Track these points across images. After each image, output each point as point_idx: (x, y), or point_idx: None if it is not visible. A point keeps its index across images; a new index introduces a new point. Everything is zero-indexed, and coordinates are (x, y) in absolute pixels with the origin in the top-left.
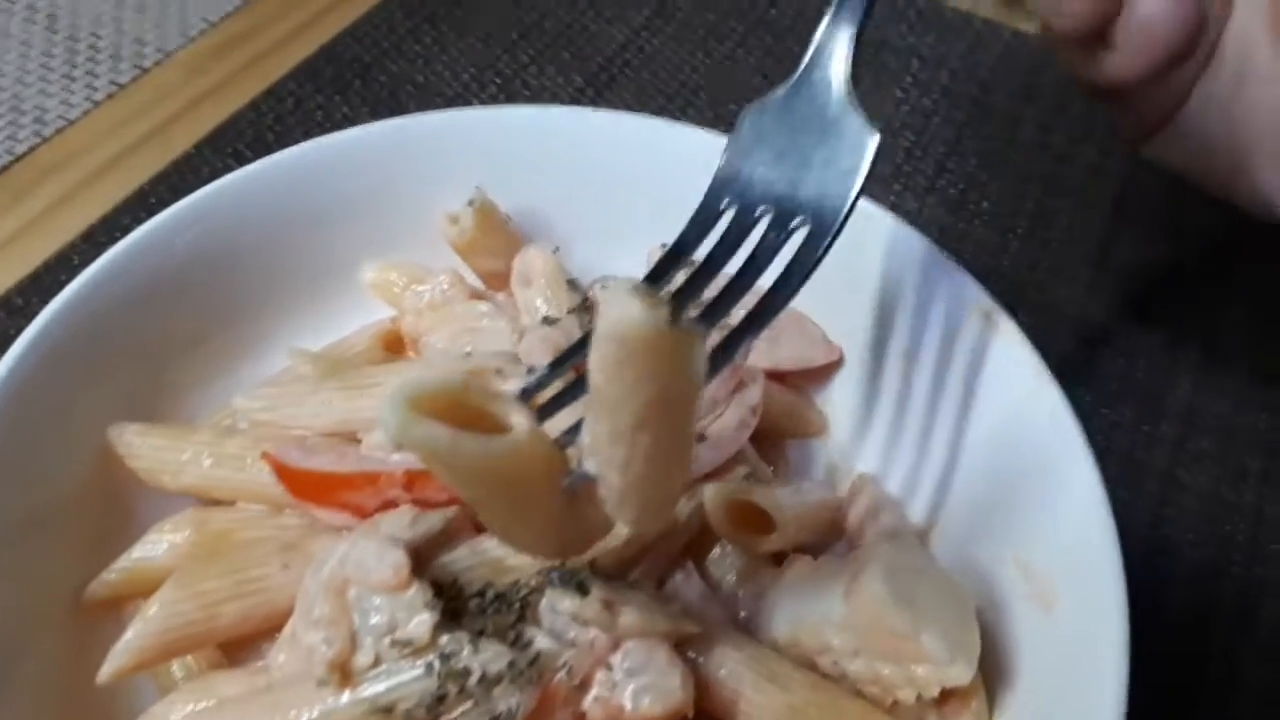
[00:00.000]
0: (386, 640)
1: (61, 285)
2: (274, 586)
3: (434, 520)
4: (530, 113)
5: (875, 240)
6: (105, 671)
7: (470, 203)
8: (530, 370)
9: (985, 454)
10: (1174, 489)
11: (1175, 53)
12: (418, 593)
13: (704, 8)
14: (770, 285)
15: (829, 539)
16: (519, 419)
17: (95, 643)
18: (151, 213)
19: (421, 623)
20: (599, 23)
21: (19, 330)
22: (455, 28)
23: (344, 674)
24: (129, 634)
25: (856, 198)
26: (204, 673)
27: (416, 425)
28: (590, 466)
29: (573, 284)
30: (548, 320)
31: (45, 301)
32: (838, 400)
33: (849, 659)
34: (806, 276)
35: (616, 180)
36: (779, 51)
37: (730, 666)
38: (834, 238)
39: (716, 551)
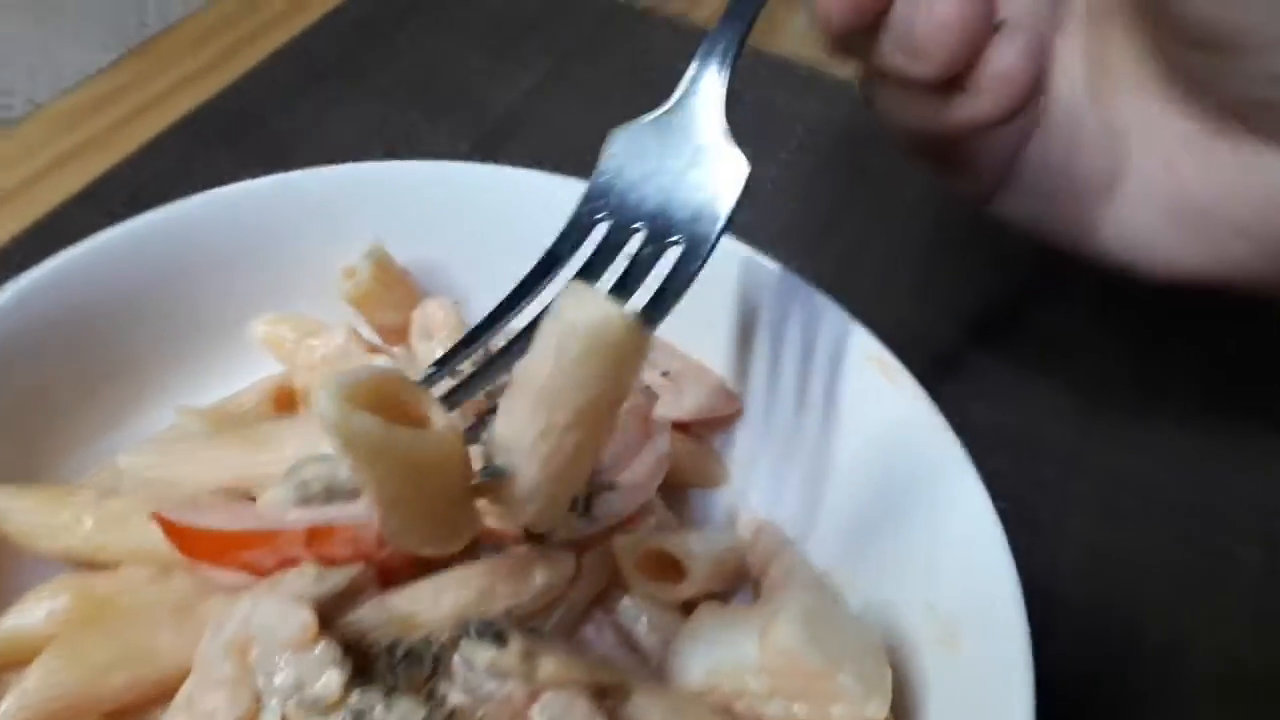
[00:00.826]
0: (293, 700)
1: None
2: (164, 651)
3: (339, 577)
4: (426, 167)
5: (768, 291)
6: None
7: (368, 255)
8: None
9: (883, 499)
10: (1059, 535)
11: (1034, 90)
12: (325, 650)
13: (591, 71)
14: (646, 303)
15: (734, 584)
16: (439, 415)
17: None
18: (17, 272)
19: (330, 680)
20: (492, 84)
21: None
22: (348, 85)
23: None
24: (5, 705)
25: (729, 220)
26: None
27: (353, 417)
28: (503, 461)
29: None
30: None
31: None
32: (737, 449)
33: (765, 702)
34: (679, 296)
35: (513, 235)
36: None
37: (650, 716)
38: (706, 258)
39: (625, 601)
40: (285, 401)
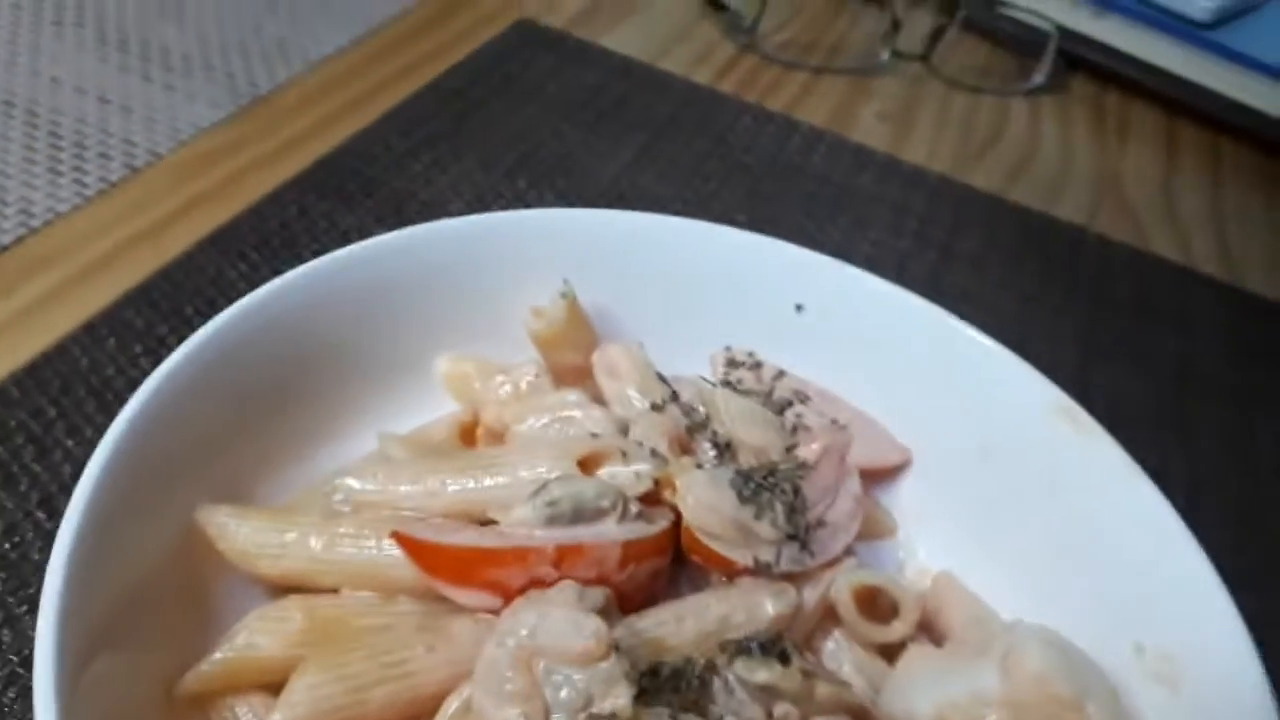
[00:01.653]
0: (582, 715)
1: (61, 378)
2: (420, 670)
3: (598, 596)
4: (611, 216)
5: (939, 342)
6: None
7: (562, 295)
8: (653, 453)
9: (1077, 546)
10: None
11: None
12: (616, 663)
13: (685, 150)
14: None
15: (917, 635)
16: None
17: None
18: (155, 309)
19: (622, 694)
20: (590, 157)
21: (19, 422)
22: (451, 152)
23: None
24: (274, 718)
25: None
26: None
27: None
28: None
29: (660, 376)
30: (655, 407)
31: (44, 392)
32: (904, 501)
33: None
34: None
35: (683, 284)
36: (759, 191)
37: None
38: None
39: (830, 644)
40: (469, 436)
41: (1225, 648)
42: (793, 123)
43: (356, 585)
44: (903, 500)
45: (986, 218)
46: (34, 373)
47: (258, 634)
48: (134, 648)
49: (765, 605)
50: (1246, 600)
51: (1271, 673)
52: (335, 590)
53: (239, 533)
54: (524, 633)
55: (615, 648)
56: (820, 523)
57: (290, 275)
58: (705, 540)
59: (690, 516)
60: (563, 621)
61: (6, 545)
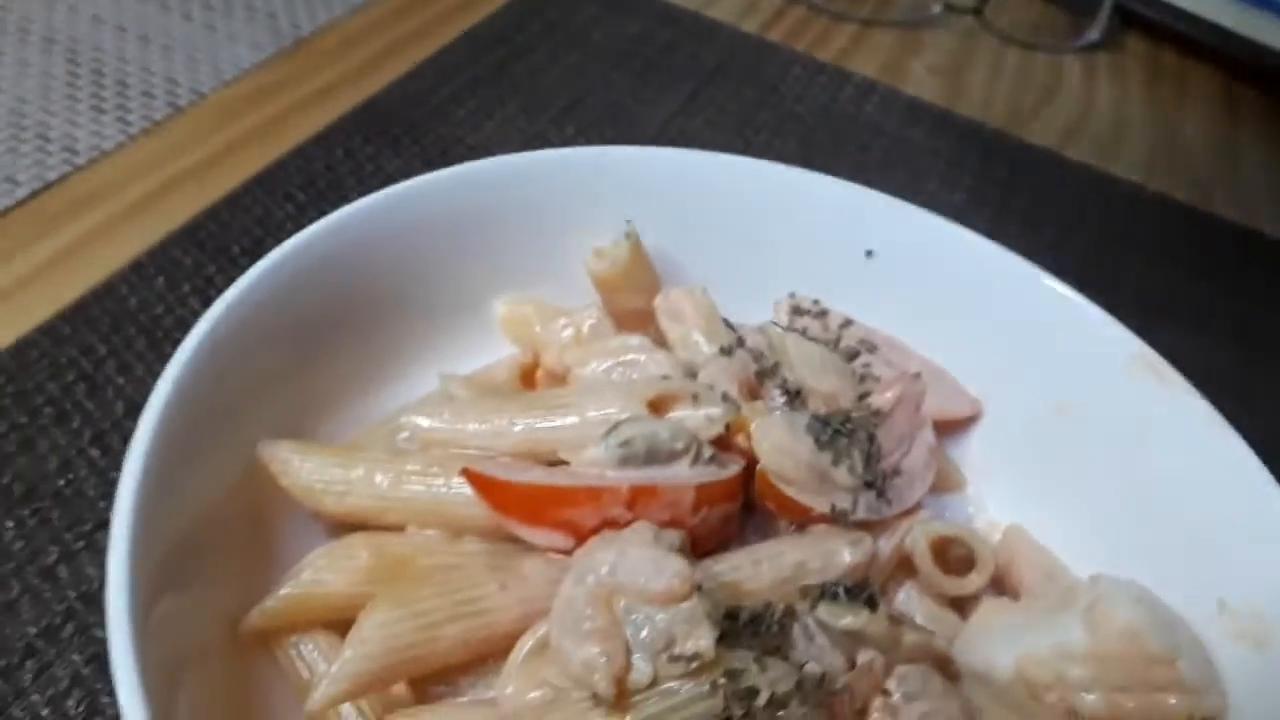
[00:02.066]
0: (664, 656)
1: (111, 315)
2: (494, 608)
3: (674, 538)
4: (677, 154)
5: (1014, 290)
6: (319, 699)
7: (626, 235)
8: (724, 397)
9: (1158, 500)
10: None
11: None
12: (699, 604)
13: (733, 99)
14: None
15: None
16: None
17: (247, 679)
18: (202, 249)
19: (705, 636)
20: (637, 105)
21: (70, 359)
22: (495, 98)
23: (620, 692)
24: (346, 654)
25: None
26: (395, 711)
27: None
28: None
29: (726, 321)
30: (724, 351)
31: (94, 330)
32: (973, 455)
33: (1084, 692)
34: None
35: (750, 226)
36: (813, 143)
37: (980, 700)
38: None
39: (902, 595)
40: (529, 379)
41: None
42: (844, 74)
43: (423, 523)
44: (972, 453)
45: (1042, 174)
46: (83, 310)
47: (324, 571)
48: (199, 585)
49: (842, 553)
50: None
51: None
52: (401, 528)
53: (303, 468)
54: (604, 571)
55: (698, 588)
56: (896, 471)
57: (347, 210)
58: (780, 486)
59: (766, 461)
60: (643, 560)
61: (61, 482)
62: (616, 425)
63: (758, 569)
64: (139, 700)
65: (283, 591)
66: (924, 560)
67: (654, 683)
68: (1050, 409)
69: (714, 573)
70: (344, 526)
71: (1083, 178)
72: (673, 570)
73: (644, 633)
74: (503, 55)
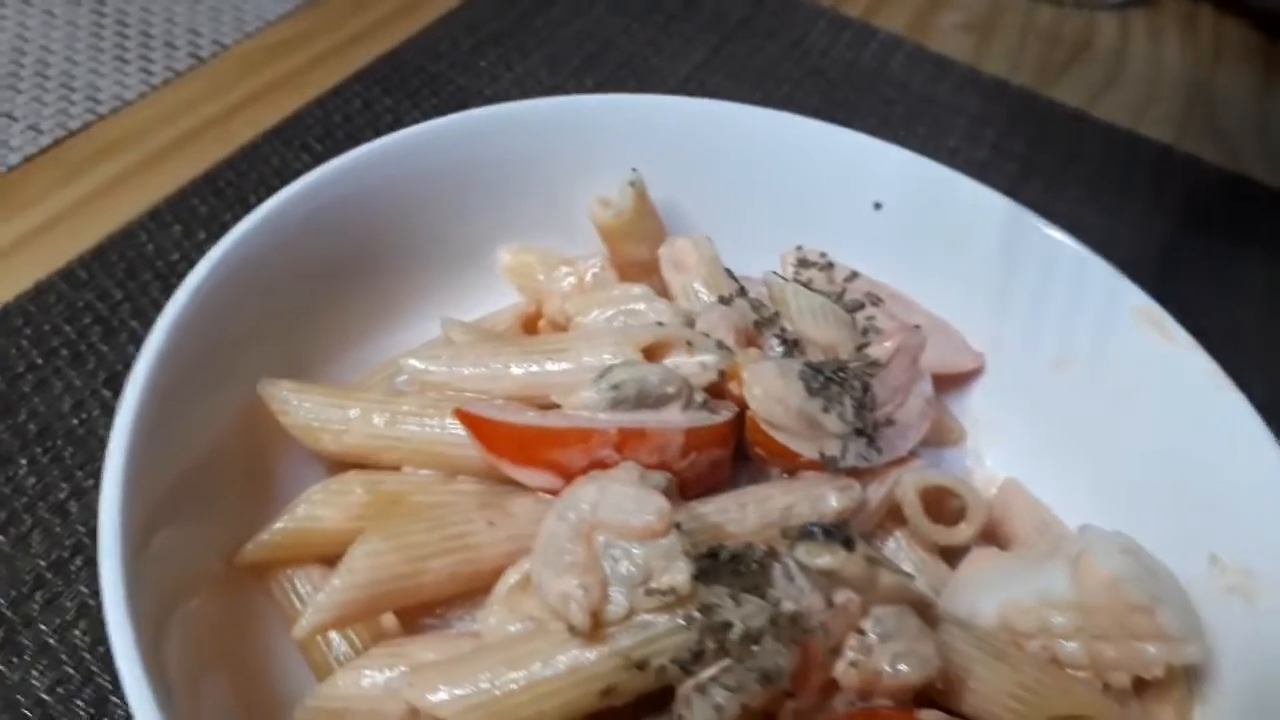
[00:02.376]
0: (640, 590)
1: (127, 261)
2: (481, 544)
3: (660, 479)
4: (683, 103)
5: (1020, 245)
6: (305, 625)
7: (631, 184)
8: (719, 345)
9: (1156, 454)
10: None
11: None
12: (676, 540)
13: (757, 53)
14: None
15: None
16: None
17: (243, 610)
18: (220, 197)
19: (681, 571)
20: (659, 58)
21: (86, 303)
22: (518, 49)
23: (595, 623)
24: (334, 583)
25: None
26: (381, 641)
27: None
28: None
29: (728, 271)
30: (723, 300)
31: (110, 275)
32: (974, 408)
33: (1066, 641)
34: None
35: (758, 177)
36: (835, 99)
37: (960, 644)
38: None
39: (892, 544)
40: (532, 327)
41: None
42: (870, 29)
43: (418, 463)
44: (974, 407)
45: (1069, 133)
46: (100, 256)
47: (319, 506)
48: (197, 519)
49: (829, 498)
50: None
51: None
52: (397, 467)
53: (301, 407)
54: (585, 506)
55: (676, 526)
56: (889, 421)
57: (351, 155)
58: (770, 431)
59: (756, 407)
60: (625, 497)
61: (74, 421)
62: (608, 369)
63: (744, 511)
64: (126, 624)
65: (278, 526)
66: (913, 509)
67: (630, 615)
68: (1053, 362)
69: (699, 514)
70: (342, 465)
71: (1112, 137)
72: (653, 507)
73: (622, 567)
74: (526, 7)
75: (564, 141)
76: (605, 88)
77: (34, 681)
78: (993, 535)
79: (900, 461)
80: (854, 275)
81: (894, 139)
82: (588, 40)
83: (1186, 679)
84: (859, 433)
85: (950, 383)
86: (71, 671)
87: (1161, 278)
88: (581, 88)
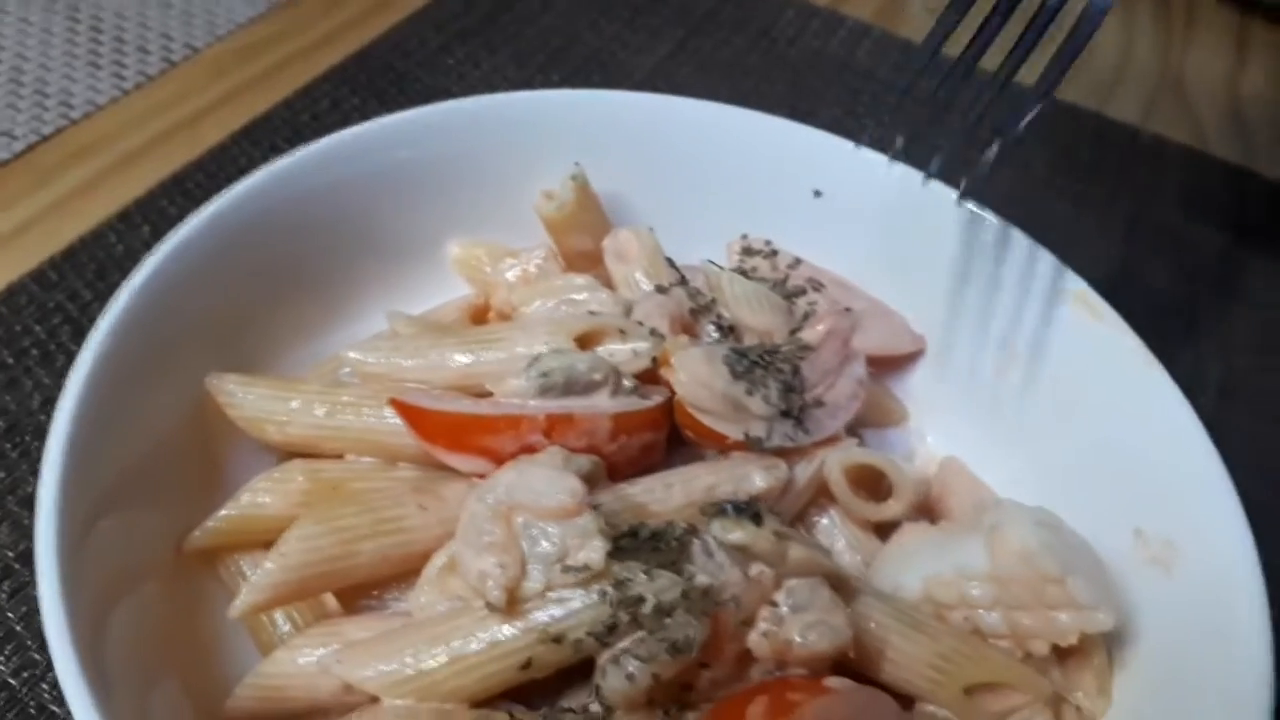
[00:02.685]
0: (557, 567)
1: (97, 262)
2: (412, 528)
3: (584, 462)
4: (625, 97)
5: (959, 230)
6: (240, 605)
7: (572, 178)
8: (652, 332)
9: (1087, 432)
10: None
11: None
12: (590, 520)
13: (723, 45)
14: None
15: (917, 516)
16: None
17: (191, 594)
18: (189, 198)
19: (596, 549)
20: (626, 52)
21: (56, 304)
22: (485, 46)
23: (513, 600)
24: (268, 565)
25: None
26: (321, 621)
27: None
28: None
29: (669, 261)
30: (660, 289)
31: (80, 276)
32: (915, 389)
33: (985, 612)
34: None
35: (700, 168)
36: (801, 87)
37: (878, 616)
38: None
39: (824, 521)
40: (480, 318)
41: (1222, 536)
42: (839, 17)
43: (359, 451)
44: (916, 388)
45: (1036, 116)
46: (71, 257)
47: (262, 494)
48: (145, 508)
49: (754, 477)
50: (1262, 492)
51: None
52: (340, 456)
53: (246, 399)
54: (503, 489)
55: (592, 506)
56: (818, 402)
57: (298, 153)
58: (696, 415)
59: (682, 391)
60: (540, 479)
61: (43, 418)
62: (537, 358)
63: (668, 491)
64: (59, 609)
65: (222, 513)
66: (839, 487)
67: (547, 591)
68: (992, 345)
69: (625, 494)
70: (289, 455)
71: (1079, 119)
72: (566, 488)
73: (540, 545)
74: (493, 4)
75: (510, 137)
76: (571, 82)
77: (1, 666)
78: (931, 511)
79: (831, 441)
80: (797, 262)
81: (857, 127)
82: (554, 35)
83: (1107, 646)
84: (785, 414)
85: (892, 365)
86: (37, 657)
87: (1121, 258)
88: (548, 82)
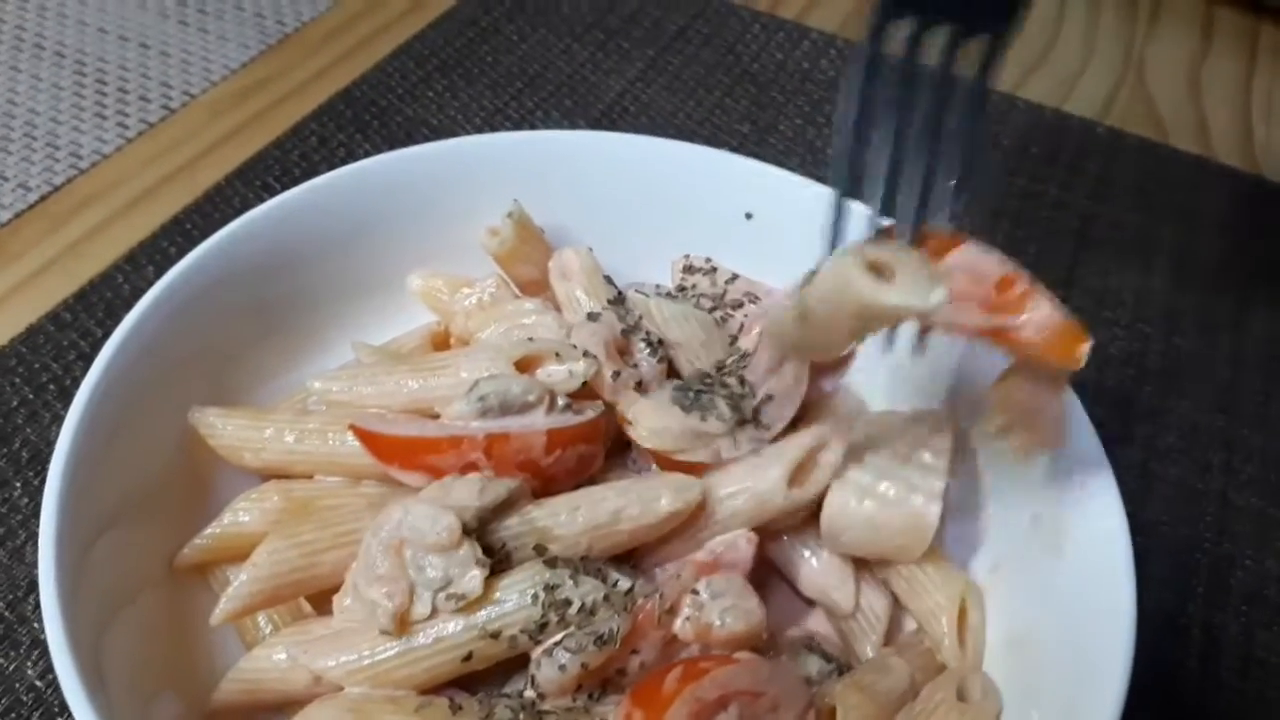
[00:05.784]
0: (441, 595)
1: (106, 302)
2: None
3: (499, 489)
4: (558, 136)
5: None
6: (219, 614)
7: (509, 215)
8: (585, 354)
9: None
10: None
11: None
12: (468, 551)
13: (692, 62)
14: None
15: None
16: None
17: (186, 604)
18: (188, 239)
19: (474, 578)
20: (597, 74)
21: (70, 342)
22: (464, 77)
23: (402, 623)
24: (242, 578)
25: None
26: (296, 622)
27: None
28: None
29: (607, 279)
30: (591, 316)
31: (92, 316)
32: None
33: None
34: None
35: (637, 197)
36: (764, 100)
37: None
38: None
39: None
40: (441, 345)
41: (1100, 519)
42: (802, 29)
43: (325, 471)
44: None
45: (996, 118)
46: (83, 298)
47: (242, 513)
48: (142, 529)
49: (661, 499)
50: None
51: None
52: (310, 476)
53: (225, 429)
54: (393, 526)
55: (469, 534)
56: (768, 397)
57: (270, 204)
58: (670, 457)
59: (645, 443)
60: (421, 517)
61: None
62: (476, 383)
63: (574, 515)
64: (59, 620)
65: (208, 531)
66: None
67: (434, 615)
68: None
69: (531, 517)
70: (268, 476)
71: (1038, 118)
72: (444, 525)
73: (427, 574)
74: (473, 35)
75: (459, 178)
76: (544, 108)
77: (28, 670)
78: None
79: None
80: (734, 277)
81: (818, 138)
82: (530, 63)
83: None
84: (742, 422)
85: (830, 368)
86: None
87: (1072, 251)
88: (521, 109)
